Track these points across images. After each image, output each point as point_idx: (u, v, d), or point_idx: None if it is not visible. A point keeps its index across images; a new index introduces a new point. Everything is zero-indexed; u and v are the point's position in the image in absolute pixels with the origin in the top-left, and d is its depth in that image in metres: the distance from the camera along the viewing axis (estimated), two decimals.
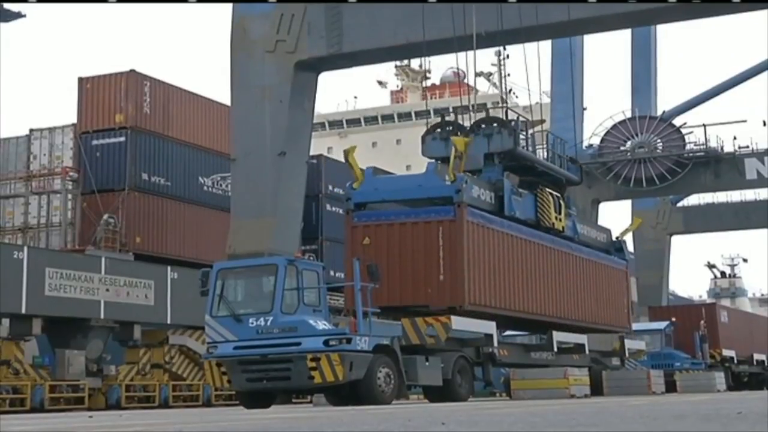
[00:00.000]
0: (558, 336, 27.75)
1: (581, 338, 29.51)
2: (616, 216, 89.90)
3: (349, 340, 17.58)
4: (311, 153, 33.28)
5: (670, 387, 31.94)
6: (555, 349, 26.16)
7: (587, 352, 28.00)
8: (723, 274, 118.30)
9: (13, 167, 33.20)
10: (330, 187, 36.86)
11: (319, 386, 18.05)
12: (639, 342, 33.31)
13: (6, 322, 24.83)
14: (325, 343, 17.46)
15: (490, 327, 23.41)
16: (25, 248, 26.32)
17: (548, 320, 25.30)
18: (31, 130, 33.44)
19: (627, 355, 30.97)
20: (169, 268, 29.11)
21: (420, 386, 21.10)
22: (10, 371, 24.61)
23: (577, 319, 26.96)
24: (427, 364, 19.76)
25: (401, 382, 18.71)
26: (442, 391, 20.30)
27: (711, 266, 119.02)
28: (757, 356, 43.08)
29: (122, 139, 32.29)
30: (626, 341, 31.66)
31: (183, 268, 29.67)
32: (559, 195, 25.95)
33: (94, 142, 32.54)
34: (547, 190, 25.36)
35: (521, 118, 24.79)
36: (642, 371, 31.07)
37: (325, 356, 17.30)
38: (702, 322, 38.15)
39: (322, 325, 18.02)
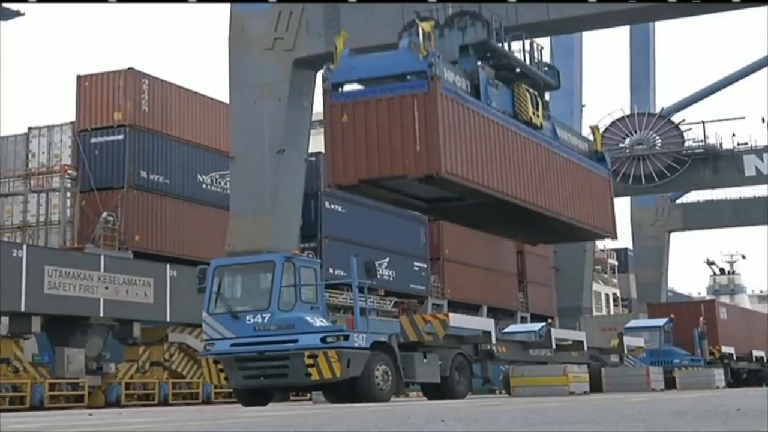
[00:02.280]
0: (557, 333, 28.07)
1: (579, 335, 29.76)
2: (615, 213, 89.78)
3: (346, 337, 17.54)
4: (310, 150, 33.26)
5: (670, 384, 31.93)
6: (554, 346, 26.22)
7: (586, 349, 28.11)
8: (722, 271, 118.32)
9: (11, 165, 33.20)
10: (329, 185, 36.83)
11: (317, 383, 18.00)
12: (638, 339, 33.33)
13: (5, 320, 24.83)
14: (323, 340, 17.42)
15: (488, 324, 23.68)
16: (24, 246, 26.30)
17: (530, 207, 24.49)
18: (30, 128, 33.43)
19: (626, 351, 31.02)
20: (168, 266, 29.08)
21: (418, 383, 20.98)
22: (9, 369, 24.60)
23: (559, 213, 26.07)
24: (424, 361, 19.70)
25: (399, 379, 18.63)
26: (441, 388, 20.26)
27: (710, 263, 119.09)
28: (756, 353, 43.06)
29: (121, 137, 32.28)
30: (625, 338, 31.75)
31: (182, 265, 29.64)
32: (536, 93, 25.25)
33: (93, 140, 32.53)
34: (524, 85, 24.69)
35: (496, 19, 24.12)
36: (641, 368, 31.07)
37: (322, 353, 17.26)
38: (701, 319, 38.14)
39: (319, 322, 17.98)
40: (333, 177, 22.18)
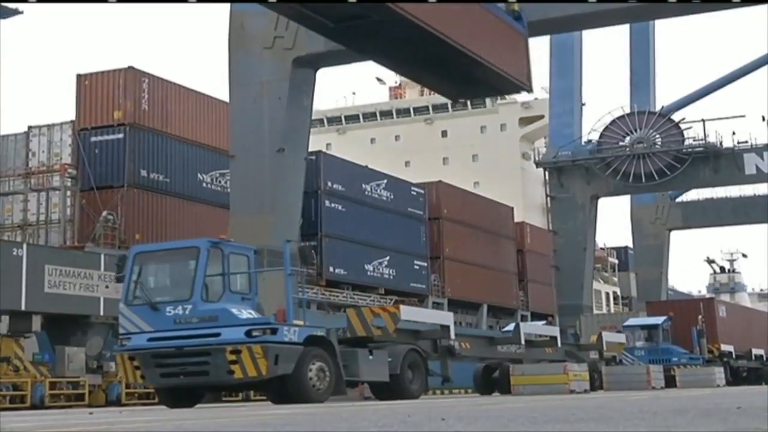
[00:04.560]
0: (526, 328, 27.01)
1: (553, 331, 28.67)
2: (615, 213, 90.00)
3: (274, 331, 16.04)
4: (310, 149, 33.26)
5: (670, 382, 31.95)
6: (522, 342, 25.13)
7: (560, 345, 27.36)
8: (722, 269, 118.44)
9: (12, 164, 33.21)
10: (329, 184, 36.85)
11: (241, 382, 16.52)
12: (618, 335, 32.99)
13: (6, 318, 24.82)
14: (247, 333, 15.89)
15: (446, 318, 22.44)
16: (24, 245, 26.30)
17: (441, 37, 21.31)
18: (30, 127, 33.44)
19: (605, 348, 30.12)
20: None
21: (365, 382, 19.93)
22: (10, 368, 24.59)
23: (474, 51, 22.96)
24: (370, 358, 18.40)
25: (339, 377, 17.17)
26: (390, 387, 18.93)
27: (710, 261, 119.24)
28: (755, 351, 43.05)
29: (121, 135, 32.29)
30: (604, 334, 31.09)
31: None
32: None
33: (93, 138, 32.54)
34: None
35: None
36: (642, 367, 31.10)
37: (246, 348, 15.74)
38: (700, 317, 38.12)
39: (247, 314, 16.35)
40: None
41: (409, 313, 20.47)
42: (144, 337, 16.40)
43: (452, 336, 21.35)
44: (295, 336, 16.36)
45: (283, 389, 16.50)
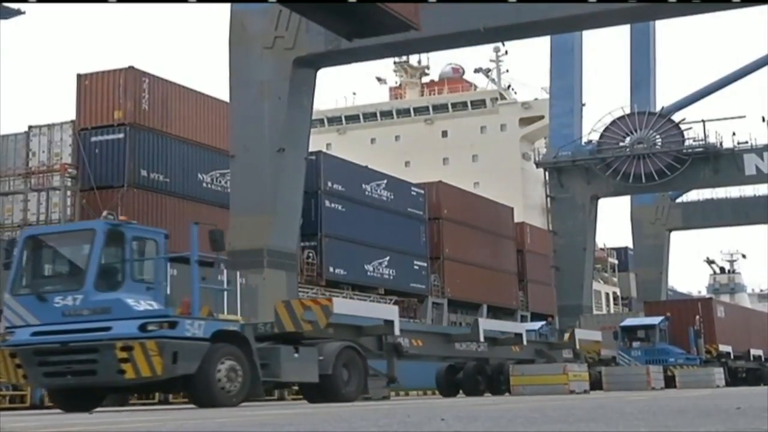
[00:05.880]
0: (485, 324, 25.06)
1: (518, 327, 27.17)
2: (615, 213, 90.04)
3: (172, 324, 14.26)
4: (310, 149, 33.26)
5: (669, 383, 31.96)
6: (481, 339, 23.52)
7: (525, 343, 25.77)
8: (722, 269, 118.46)
9: (12, 164, 33.17)
10: (329, 184, 36.87)
11: (134, 383, 14.60)
12: (593, 333, 32.61)
13: None
14: (141, 327, 14.08)
15: (390, 312, 20.35)
16: None
17: None
18: (30, 127, 33.41)
19: (578, 346, 29.03)
20: (168, 265, 29.03)
21: (290, 384, 18.36)
22: None
23: None
24: (296, 356, 16.53)
25: (255, 378, 15.37)
26: (321, 388, 17.13)
27: (710, 262, 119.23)
28: (754, 351, 42.95)
29: (121, 135, 32.26)
30: (577, 331, 30.35)
31: (182, 264, 29.59)
32: None
33: (93, 138, 32.51)
34: None
35: None
36: (641, 367, 31.10)
37: (139, 344, 13.93)
38: (697, 317, 38.01)
39: (146, 305, 14.51)
40: None
41: (343, 306, 18.67)
42: (28, 331, 14.56)
43: (397, 332, 19.39)
44: (200, 331, 14.58)
45: (190, 391, 15.06)
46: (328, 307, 17.25)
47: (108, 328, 14.15)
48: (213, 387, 14.55)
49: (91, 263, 14.51)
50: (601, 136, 56.39)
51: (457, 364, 25.73)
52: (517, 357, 25.71)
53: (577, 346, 29.03)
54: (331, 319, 17.42)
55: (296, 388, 19.83)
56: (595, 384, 28.39)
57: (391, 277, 39.82)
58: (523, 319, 49.60)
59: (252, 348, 15.44)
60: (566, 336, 29.89)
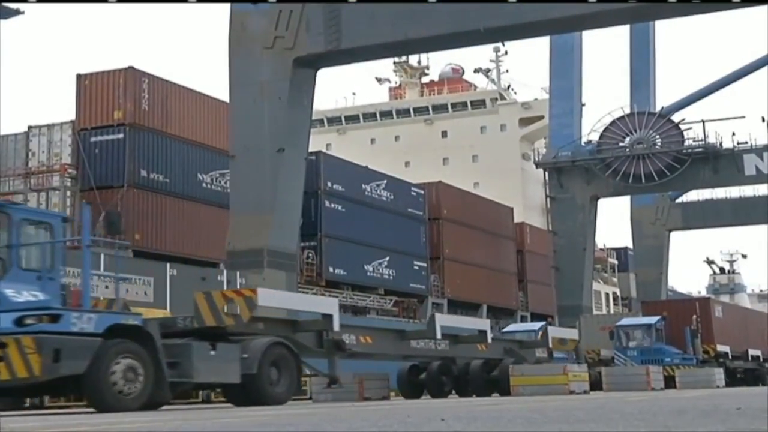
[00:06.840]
0: (442, 320, 22.88)
1: (482, 324, 25.64)
2: (615, 213, 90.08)
3: (54, 318, 12.71)
4: (310, 149, 33.25)
5: (669, 383, 31.92)
6: (438, 336, 21.60)
7: (490, 341, 24.30)
8: (722, 270, 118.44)
9: (12, 164, 33.17)
10: (329, 184, 36.89)
11: (10, 385, 12.88)
12: (569, 330, 32.17)
13: None
14: (18, 321, 12.58)
15: (329, 305, 18.23)
16: None
17: None
18: (30, 127, 33.40)
19: (551, 344, 27.84)
20: (168, 264, 29.06)
21: (207, 385, 16.85)
22: None
23: None
24: (212, 353, 14.84)
25: (161, 379, 13.85)
26: (245, 390, 15.48)
27: (710, 262, 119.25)
28: (752, 352, 42.82)
29: (121, 135, 32.25)
30: (550, 329, 29.58)
31: (182, 264, 29.64)
32: None
33: (93, 138, 32.50)
34: None
35: None
36: (641, 367, 31.07)
37: (13, 341, 12.42)
38: (694, 316, 37.90)
39: (29, 296, 13.01)
40: None
41: (270, 297, 16.72)
42: None
43: (336, 327, 17.50)
44: (91, 325, 13.02)
45: (80, 393, 13.69)
46: (252, 299, 15.43)
47: None
48: (106, 389, 13.08)
49: None
50: (601, 136, 56.42)
51: (421, 364, 24.15)
52: (483, 356, 24.30)
53: (550, 345, 27.94)
54: (262, 312, 15.93)
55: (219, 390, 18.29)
56: (595, 384, 28.35)
57: (391, 278, 39.82)
58: (523, 319, 49.62)
59: (157, 345, 13.87)
60: (540, 334, 28.89)
